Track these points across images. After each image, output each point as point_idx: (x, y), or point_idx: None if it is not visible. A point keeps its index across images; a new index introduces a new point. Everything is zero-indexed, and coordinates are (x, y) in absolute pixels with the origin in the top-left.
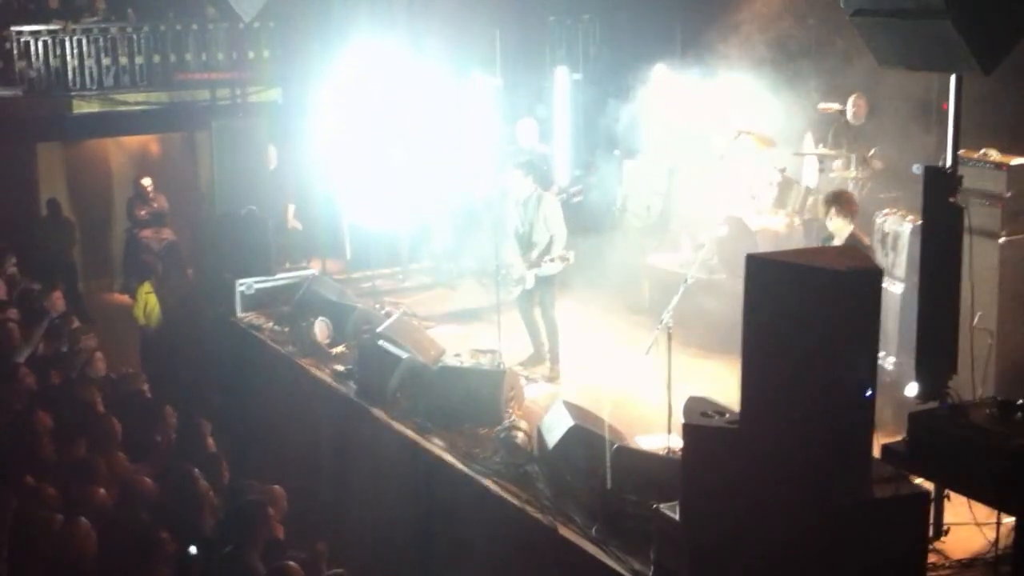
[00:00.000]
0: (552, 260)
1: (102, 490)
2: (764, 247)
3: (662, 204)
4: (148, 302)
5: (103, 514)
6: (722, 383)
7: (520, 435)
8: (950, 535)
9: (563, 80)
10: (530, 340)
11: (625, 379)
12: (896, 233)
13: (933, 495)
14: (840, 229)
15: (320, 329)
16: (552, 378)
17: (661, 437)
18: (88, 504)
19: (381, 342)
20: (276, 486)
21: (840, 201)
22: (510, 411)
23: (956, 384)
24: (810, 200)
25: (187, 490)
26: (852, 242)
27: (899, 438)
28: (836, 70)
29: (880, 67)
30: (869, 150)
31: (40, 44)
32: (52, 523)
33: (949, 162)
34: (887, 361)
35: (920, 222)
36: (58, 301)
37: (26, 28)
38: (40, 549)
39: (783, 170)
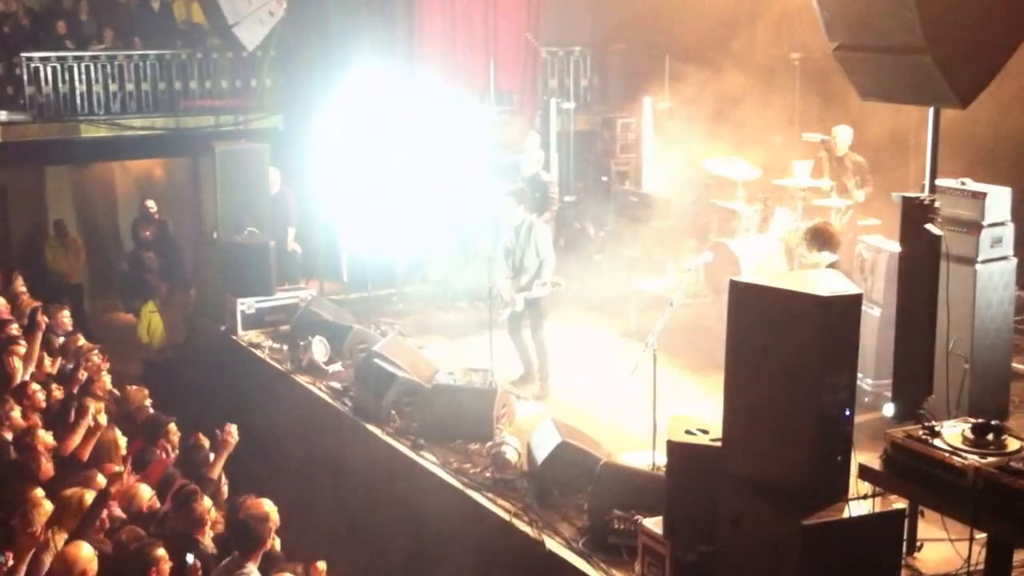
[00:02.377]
0: (544, 284)
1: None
2: (747, 272)
3: (649, 230)
4: (152, 321)
5: (105, 529)
6: (705, 402)
7: (510, 451)
8: (924, 551)
9: (554, 110)
10: (520, 360)
11: (612, 398)
12: (875, 259)
13: (908, 512)
14: (823, 262)
15: (318, 348)
16: (541, 397)
17: (646, 454)
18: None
19: (376, 361)
20: (267, 500)
21: (823, 236)
22: (501, 428)
23: (931, 406)
24: (792, 227)
25: (189, 506)
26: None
27: (876, 456)
28: (820, 102)
29: (862, 99)
30: (850, 179)
31: (49, 70)
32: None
33: (927, 191)
34: (865, 382)
35: (899, 249)
36: (64, 319)
37: (36, 54)
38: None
39: (767, 198)
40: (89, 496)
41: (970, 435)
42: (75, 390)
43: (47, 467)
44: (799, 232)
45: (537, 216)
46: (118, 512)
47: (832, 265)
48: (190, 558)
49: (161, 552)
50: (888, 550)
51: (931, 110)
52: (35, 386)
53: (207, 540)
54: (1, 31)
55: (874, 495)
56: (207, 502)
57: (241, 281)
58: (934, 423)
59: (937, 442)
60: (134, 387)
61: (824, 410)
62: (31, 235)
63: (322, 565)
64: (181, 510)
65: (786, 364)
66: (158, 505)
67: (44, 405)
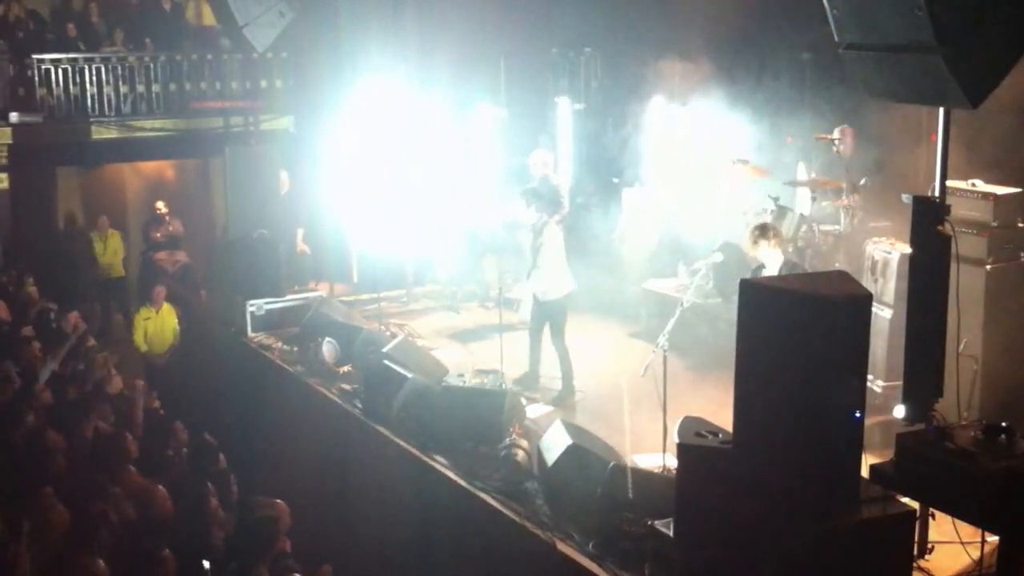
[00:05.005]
0: (553, 287)
1: (115, 507)
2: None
3: (660, 231)
4: (147, 329)
5: (116, 531)
6: (716, 404)
7: (520, 453)
8: (935, 553)
9: (565, 110)
10: (529, 359)
11: (622, 400)
12: (885, 260)
13: (919, 514)
14: (773, 258)
15: (327, 349)
16: (564, 400)
17: (657, 456)
18: (101, 521)
19: (386, 362)
20: (280, 501)
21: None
22: (511, 430)
23: (942, 407)
24: (803, 228)
25: (197, 507)
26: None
27: (887, 459)
28: (830, 101)
29: (871, 98)
30: (860, 179)
31: (60, 72)
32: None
33: (937, 192)
34: (875, 384)
35: (909, 250)
36: (75, 320)
37: (47, 56)
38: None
39: (777, 199)
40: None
41: (981, 437)
42: (86, 391)
43: (60, 465)
44: (812, 230)
45: (552, 215)
46: (131, 514)
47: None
48: (206, 564)
49: (166, 553)
50: (899, 553)
51: (941, 110)
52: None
53: (217, 542)
54: (13, 34)
55: (885, 497)
56: (215, 503)
57: (251, 283)
58: (945, 425)
59: (948, 444)
60: (143, 388)
61: (834, 412)
62: (42, 236)
63: (327, 569)
64: (191, 512)
65: (796, 365)
66: (170, 506)
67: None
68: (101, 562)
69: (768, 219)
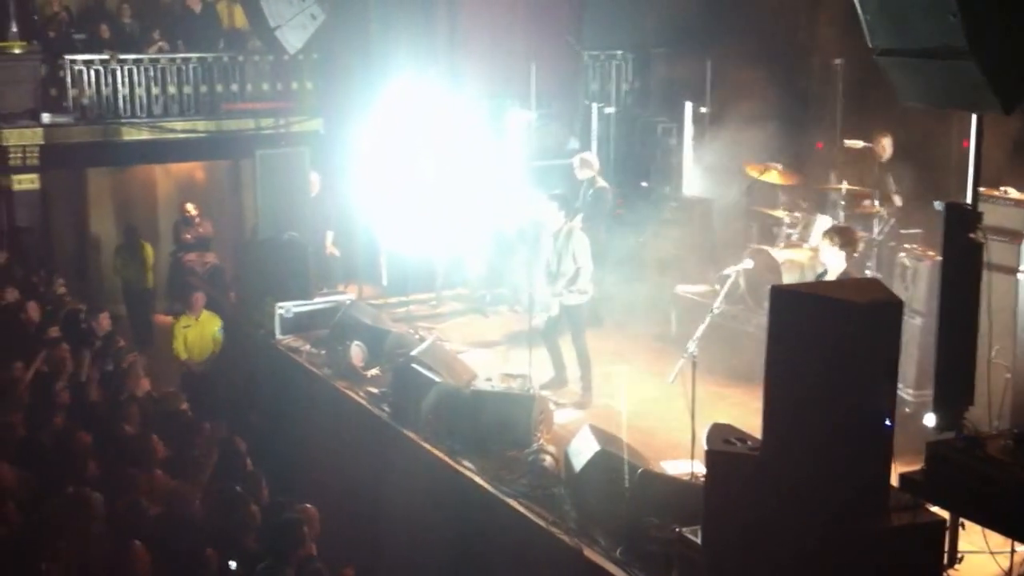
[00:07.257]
0: (582, 292)
1: (147, 508)
2: (788, 279)
3: (690, 235)
4: (187, 337)
5: (149, 532)
6: (745, 411)
7: (548, 459)
8: (964, 563)
9: (596, 115)
10: (552, 364)
11: (651, 406)
12: (916, 267)
13: (949, 523)
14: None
15: (356, 352)
16: (583, 405)
17: (685, 463)
18: (135, 522)
19: (415, 366)
20: (310, 505)
21: (844, 235)
22: (539, 435)
23: (973, 416)
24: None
25: (236, 509)
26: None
27: (917, 467)
28: (862, 108)
29: (902, 103)
30: (892, 186)
31: (92, 73)
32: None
33: (969, 199)
34: (906, 392)
35: (940, 257)
36: (104, 322)
37: (79, 57)
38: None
39: (808, 205)
40: None
41: (1012, 446)
42: (115, 393)
43: (91, 467)
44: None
45: (580, 221)
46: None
47: (845, 273)
48: (233, 564)
49: (209, 552)
50: (928, 562)
51: (974, 116)
52: (61, 384)
53: (250, 544)
54: (46, 34)
55: (914, 506)
56: (254, 507)
57: (280, 285)
58: (976, 434)
59: (978, 453)
60: (171, 390)
61: (865, 420)
62: (72, 237)
63: (350, 572)
64: (227, 514)
65: (827, 372)
66: (201, 509)
67: (69, 402)
68: (141, 545)
69: (799, 226)
